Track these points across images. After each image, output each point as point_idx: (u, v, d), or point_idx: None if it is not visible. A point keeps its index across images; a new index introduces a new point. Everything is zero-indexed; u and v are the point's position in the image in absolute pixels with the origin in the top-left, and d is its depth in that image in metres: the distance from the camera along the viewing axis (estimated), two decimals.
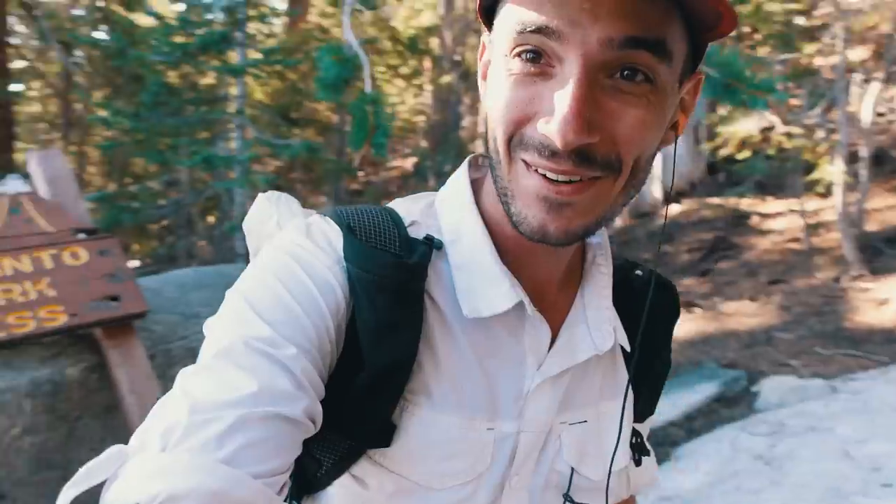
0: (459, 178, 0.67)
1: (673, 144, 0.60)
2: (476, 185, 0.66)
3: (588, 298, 0.67)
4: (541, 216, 0.52)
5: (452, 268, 0.62)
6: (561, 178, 0.51)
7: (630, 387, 0.66)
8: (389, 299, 0.57)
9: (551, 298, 0.66)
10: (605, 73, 0.49)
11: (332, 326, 0.56)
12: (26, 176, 2.45)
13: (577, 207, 0.52)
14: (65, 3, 11.44)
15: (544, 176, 0.51)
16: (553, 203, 0.52)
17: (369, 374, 0.57)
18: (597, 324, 0.66)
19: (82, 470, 0.43)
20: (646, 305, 0.64)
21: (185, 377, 0.51)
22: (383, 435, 0.59)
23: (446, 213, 0.65)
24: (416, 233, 0.63)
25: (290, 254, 0.58)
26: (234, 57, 7.07)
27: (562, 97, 0.48)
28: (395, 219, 0.63)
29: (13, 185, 2.32)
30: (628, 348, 0.69)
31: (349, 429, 0.59)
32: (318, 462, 0.60)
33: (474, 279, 0.61)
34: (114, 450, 0.45)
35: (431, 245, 0.61)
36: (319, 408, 0.53)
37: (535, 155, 0.51)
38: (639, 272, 0.72)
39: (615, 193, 0.54)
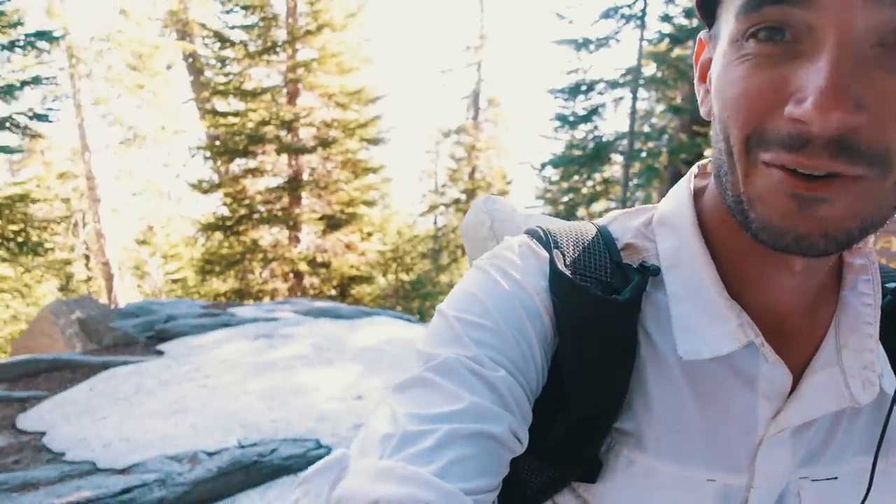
0: (682, 193, 0.58)
1: None
2: (699, 197, 0.58)
3: (844, 336, 0.54)
4: (789, 218, 0.42)
5: (670, 298, 0.55)
6: (815, 173, 0.40)
7: (883, 441, 0.54)
8: (596, 340, 0.53)
9: (792, 331, 0.54)
10: (871, 41, 0.39)
11: (538, 354, 0.53)
12: None
13: (836, 206, 0.41)
14: None
15: (792, 172, 0.41)
16: (804, 200, 0.41)
17: (573, 415, 0.54)
18: (855, 369, 0.53)
19: (311, 469, 0.46)
20: None
21: (399, 388, 0.51)
22: (588, 471, 0.55)
23: (665, 235, 0.57)
24: (630, 258, 0.57)
25: (503, 276, 0.56)
26: None
27: (816, 71, 0.39)
28: (608, 241, 0.58)
29: None
30: (891, 392, 0.55)
31: (553, 459, 0.56)
32: (523, 483, 0.58)
33: (695, 314, 0.53)
34: (338, 454, 0.47)
35: (646, 274, 0.54)
36: (526, 428, 0.51)
37: (781, 150, 0.41)
38: None
39: (885, 195, 0.42)
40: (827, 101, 0.38)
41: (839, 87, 0.38)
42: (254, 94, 12.20)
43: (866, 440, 0.56)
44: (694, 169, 0.61)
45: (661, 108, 12.40)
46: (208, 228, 12.84)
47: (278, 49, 12.17)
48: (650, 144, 11.54)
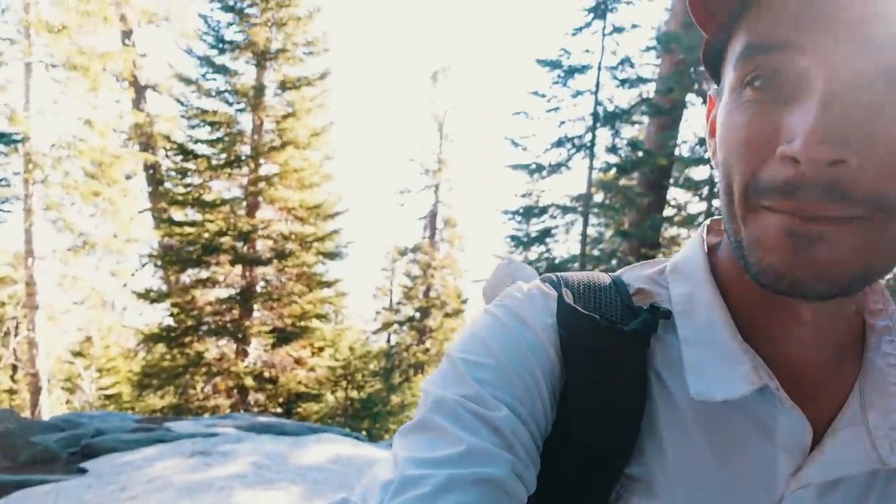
0: (695, 244, 0.59)
1: None
2: (713, 252, 0.58)
3: (869, 396, 0.52)
4: (787, 258, 0.42)
5: (682, 342, 0.54)
6: (810, 213, 0.41)
7: None
8: (603, 373, 0.52)
9: (812, 386, 0.53)
10: (860, 86, 0.40)
11: (545, 390, 0.52)
12: None
13: (836, 246, 0.41)
14: None
15: (791, 214, 0.42)
16: (802, 239, 0.41)
17: (580, 456, 0.53)
18: (882, 429, 0.51)
19: None
20: None
21: (403, 432, 0.51)
22: None
23: (678, 281, 0.58)
24: (642, 302, 0.57)
25: (508, 316, 0.56)
26: None
27: (805, 112, 0.40)
28: (619, 286, 0.59)
29: None
30: None
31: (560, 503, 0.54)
32: None
33: (707, 357, 0.52)
34: (338, 499, 0.47)
35: (656, 314, 0.54)
36: (531, 471, 0.50)
37: (777, 196, 0.42)
38: None
39: (887, 238, 0.42)
40: (814, 139, 0.39)
41: (827, 126, 0.39)
42: (213, 206, 12.24)
43: None
44: (706, 223, 0.62)
45: (610, 232, 12.94)
46: (151, 339, 12.30)
47: (241, 163, 12.41)
48: (601, 267, 11.91)
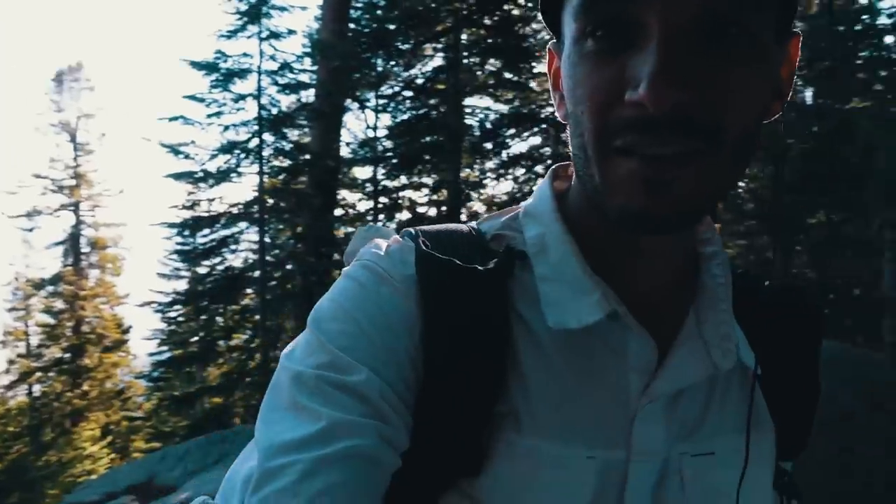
0: (544, 190, 0.63)
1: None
2: (560, 196, 0.62)
3: (703, 313, 0.59)
4: (641, 200, 0.46)
5: (538, 279, 0.57)
6: (659, 150, 0.45)
7: (752, 412, 0.58)
8: (463, 314, 0.53)
9: (659, 312, 0.58)
10: (695, 32, 0.44)
11: (409, 345, 0.53)
12: None
13: (682, 185, 0.46)
14: None
15: (642, 157, 0.46)
16: (654, 183, 0.46)
17: (448, 399, 0.52)
18: (715, 340, 0.58)
19: None
20: (772, 318, 0.61)
21: (263, 415, 0.50)
22: (470, 462, 0.53)
23: (530, 225, 0.61)
24: (498, 245, 0.60)
25: (363, 274, 0.56)
26: None
27: (647, 58, 0.44)
28: (477, 233, 0.61)
29: None
30: (752, 366, 0.60)
31: (434, 453, 0.53)
32: (403, 486, 0.53)
33: (561, 290, 0.56)
34: (199, 500, 0.48)
35: (512, 255, 0.57)
36: (401, 431, 0.50)
37: (629, 134, 0.46)
38: (768, 283, 0.66)
39: (722, 167, 0.47)
40: (657, 83, 0.42)
41: (668, 70, 0.43)
42: None
43: (739, 418, 0.59)
44: (553, 168, 0.65)
45: (286, 236, 12.97)
46: None
47: None
48: (277, 274, 11.87)
